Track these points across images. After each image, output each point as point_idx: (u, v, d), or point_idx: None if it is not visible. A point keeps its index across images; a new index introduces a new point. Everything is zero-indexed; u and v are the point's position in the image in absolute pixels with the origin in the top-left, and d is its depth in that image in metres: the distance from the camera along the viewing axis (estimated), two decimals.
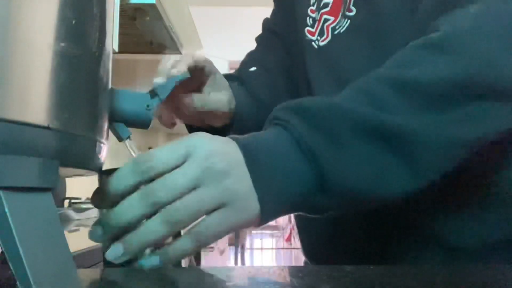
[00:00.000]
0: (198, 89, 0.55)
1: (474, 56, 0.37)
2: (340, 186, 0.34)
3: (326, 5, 0.58)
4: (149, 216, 0.31)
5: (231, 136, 0.36)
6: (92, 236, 0.32)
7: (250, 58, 0.73)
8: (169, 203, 0.31)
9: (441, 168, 0.37)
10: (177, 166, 0.32)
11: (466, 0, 0.42)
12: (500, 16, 0.39)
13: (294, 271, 0.33)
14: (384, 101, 0.36)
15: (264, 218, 0.34)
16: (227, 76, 0.64)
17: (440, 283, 0.27)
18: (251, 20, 3.65)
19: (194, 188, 0.32)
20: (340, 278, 0.28)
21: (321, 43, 0.58)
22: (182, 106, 0.51)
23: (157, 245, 0.32)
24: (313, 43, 0.60)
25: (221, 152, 0.33)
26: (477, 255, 0.47)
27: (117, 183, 0.32)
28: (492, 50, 0.37)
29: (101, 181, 0.34)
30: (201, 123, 0.57)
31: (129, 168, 0.32)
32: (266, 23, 0.76)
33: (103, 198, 0.32)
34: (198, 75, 0.53)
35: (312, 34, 0.60)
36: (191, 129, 0.61)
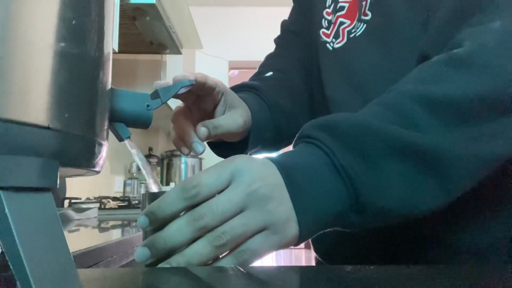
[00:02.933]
0: (212, 111, 0.55)
1: (500, 73, 0.37)
2: (374, 205, 0.35)
3: (342, 8, 0.59)
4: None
5: (268, 157, 0.37)
6: (139, 257, 0.33)
7: (267, 62, 0.74)
8: (216, 227, 0.32)
9: (470, 183, 0.37)
10: (222, 190, 0.34)
11: (483, 12, 0.42)
12: None
13: (294, 271, 0.33)
14: (413, 119, 0.36)
15: (302, 238, 0.35)
16: (242, 86, 0.64)
17: (440, 283, 0.27)
18: (251, 20, 3.65)
19: (239, 212, 0.33)
20: (340, 278, 0.28)
21: (336, 45, 0.59)
22: (198, 134, 0.51)
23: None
24: (327, 44, 0.61)
25: (263, 177, 0.34)
26: (477, 254, 0.47)
27: (165, 208, 0.33)
28: None
29: (144, 203, 0.36)
30: (218, 139, 0.57)
31: (176, 194, 0.33)
32: (284, 23, 0.77)
33: (150, 221, 0.34)
34: (210, 96, 0.53)
35: (327, 36, 0.61)
36: (210, 143, 0.62)
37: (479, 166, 0.37)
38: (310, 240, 0.62)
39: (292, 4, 0.77)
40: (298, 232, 0.35)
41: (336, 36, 0.59)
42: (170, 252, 0.33)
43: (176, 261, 0.32)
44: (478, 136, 0.36)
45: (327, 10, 0.62)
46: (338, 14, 0.60)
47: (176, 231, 0.32)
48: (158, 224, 0.33)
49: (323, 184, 0.35)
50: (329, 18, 0.61)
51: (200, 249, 0.32)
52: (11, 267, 0.19)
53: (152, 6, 1.58)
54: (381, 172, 0.35)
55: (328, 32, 0.61)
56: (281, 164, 0.36)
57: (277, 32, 0.77)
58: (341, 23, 0.59)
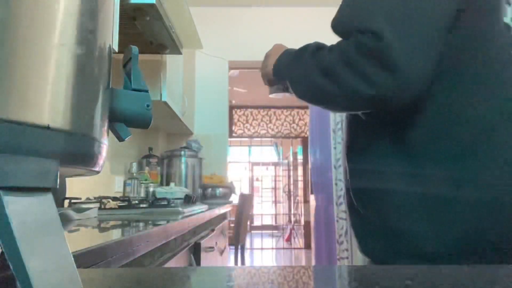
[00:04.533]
0: None
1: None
2: (282, 70, 0.84)
3: None
4: None
5: (287, 48, 0.87)
6: None
7: None
8: None
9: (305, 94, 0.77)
10: None
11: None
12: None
13: (294, 271, 0.33)
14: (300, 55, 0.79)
15: (274, 68, 0.86)
16: None
17: (440, 283, 0.27)
18: (251, 20, 3.66)
19: None
20: (340, 278, 0.28)
21: None
22: None
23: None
24: None
25: (274, 49, 0.88)
26: (450, 260, 0.50)
27: None
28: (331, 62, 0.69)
29: None
30: None
31: None
32: None
33: None
34: None
35: None
36: None
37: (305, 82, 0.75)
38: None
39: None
40: (274, 62, 0.85)
41: None
42: None
43: None
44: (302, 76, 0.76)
45: None
46: None
47: None
48: None
49: (286, 56, 0.83)
50: None
51: None
52: (11, 267, 0.19)
53: (152, 6, 1.58)
54: (284, 58, 0.84)
55: None
56: (286, 49, 0.85)
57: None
58: None
